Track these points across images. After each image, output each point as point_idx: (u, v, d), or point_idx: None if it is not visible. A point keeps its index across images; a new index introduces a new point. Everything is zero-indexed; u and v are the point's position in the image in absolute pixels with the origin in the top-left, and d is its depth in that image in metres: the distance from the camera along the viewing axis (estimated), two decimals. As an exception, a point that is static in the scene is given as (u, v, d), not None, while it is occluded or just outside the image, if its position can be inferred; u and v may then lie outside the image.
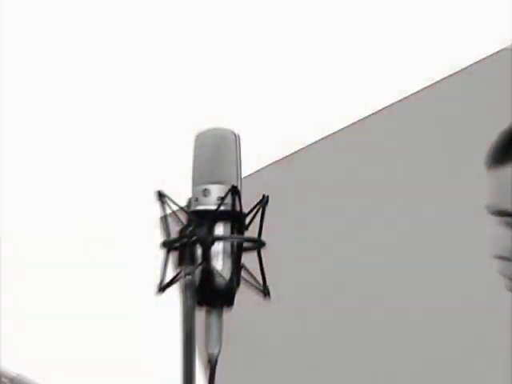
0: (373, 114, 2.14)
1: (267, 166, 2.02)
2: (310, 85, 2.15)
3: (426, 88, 2.14)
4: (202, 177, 0.85)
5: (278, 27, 2.19)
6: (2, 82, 2.20)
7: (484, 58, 2.09)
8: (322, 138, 2.12)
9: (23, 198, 2.08)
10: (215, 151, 0.84)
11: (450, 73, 2.13)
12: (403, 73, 2.18)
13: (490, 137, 1.04)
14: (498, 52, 2.06)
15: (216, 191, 0.85)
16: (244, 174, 0.91)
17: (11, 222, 2.00)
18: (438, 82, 2.14)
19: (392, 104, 2.14)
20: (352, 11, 2.17)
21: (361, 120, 2.14)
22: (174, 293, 0.86)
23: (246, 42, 2.15)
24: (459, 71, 2.13)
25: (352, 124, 2.13)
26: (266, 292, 0.85)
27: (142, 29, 2.16)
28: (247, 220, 0.85)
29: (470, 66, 2.12)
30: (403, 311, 2.03)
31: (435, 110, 2.15)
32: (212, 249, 0.83)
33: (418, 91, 2.15)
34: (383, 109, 2.14)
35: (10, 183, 2.10)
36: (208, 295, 0.84)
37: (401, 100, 2.14)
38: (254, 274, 0.85)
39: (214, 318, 0.85)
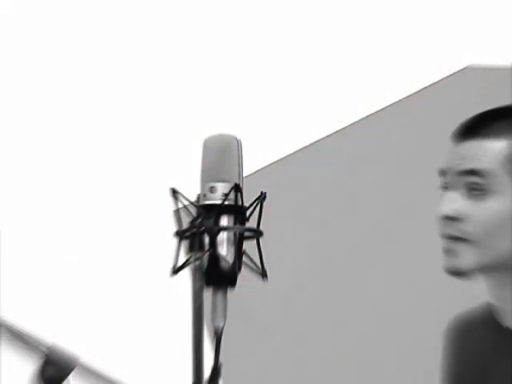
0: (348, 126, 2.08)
1: (265, 167, 2.01)
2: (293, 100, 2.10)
3: (392, 104, 2.08)
4: (209, 176, 0.85)
5: (275, 37, 2.13)
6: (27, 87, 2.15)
7: (448, 76, 2.04)
8: (311, 144, 2.10)
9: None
10: (220, 154, 0.83)
11: (416, 90, 2.07)
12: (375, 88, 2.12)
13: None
14: (461, 70, 2.02)
15: (221, 188, 0.84)
16: (245, 173, 0.89)
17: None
18: (403, 99, 2.08)
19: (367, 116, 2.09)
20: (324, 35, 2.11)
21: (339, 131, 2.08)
22: (186, 275, 0.85)
23: (248, 57, 2.11)
24: (424, 88, 2.07)
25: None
26: (264, 274, 0.84)
27: (155, 43, 2.12)
28: (248, 213, 0.85)
29: (435, 83, 2.07)
30: (395, 294, 2.00)
31: (401, 125, 2.08)
32: (218, 237, 0.82)
33: (386, 107, 2.09)
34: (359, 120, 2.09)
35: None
36: (214, 277, 0.83)
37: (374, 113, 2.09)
38: (254, 259, 0.85)
39: (219, 297, 0.85)
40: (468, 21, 2.08)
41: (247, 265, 0.84)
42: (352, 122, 2.07)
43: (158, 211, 1.92)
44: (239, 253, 0.84)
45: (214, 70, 2.11)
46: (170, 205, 0.86)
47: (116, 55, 2.12)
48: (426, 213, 1.93)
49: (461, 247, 0.97)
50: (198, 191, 0.86)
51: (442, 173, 1.01)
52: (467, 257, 0.97)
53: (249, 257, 0.84)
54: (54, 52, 2.15)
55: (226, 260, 0.83)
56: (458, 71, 2.00)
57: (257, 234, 0.85)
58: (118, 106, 2.08)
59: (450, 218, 0.97)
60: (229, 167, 0.83)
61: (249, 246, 0.87)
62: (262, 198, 0.84)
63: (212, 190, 0.85)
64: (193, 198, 0.86)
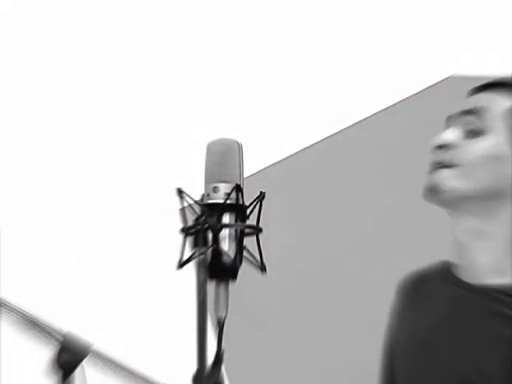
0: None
1: (264, 168, 2.01)
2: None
3: (375, 114, 2.05)
4: (212, 177, 0.85)
5: (274, 42, 2.11)
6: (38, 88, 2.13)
7: (431, 86, 2.01)
8: (309, 146, 2.09)
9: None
10: (222, 157, 0.84)
11: (399, 99, 2.04)
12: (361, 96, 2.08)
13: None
14: (444, 79, 2.00)
15: (223, 188, 0.85)
16: (245, 174, 0.90)
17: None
18: (386, 108, 2.04)
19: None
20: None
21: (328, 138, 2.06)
22: (191, 268, 0.86)
23: (248, 64, 2.09)
24: (407, 98, 2.04)
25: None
26: (263, 268, 0.85)
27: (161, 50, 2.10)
28: (248, 211, 0.85)
29: (418, 93, 2.04)
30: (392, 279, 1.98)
31: (385, 134, 2.04)
32: (220, 234, 0.83)
33: (370, 116, 2.05)
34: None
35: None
36: (217, 270, 0.84)
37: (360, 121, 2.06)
38: (254, 254, 0.85)
39: (221, 289, 0.85)
40: (450, 31, 2.07)
41: (247, 259, 0.85)
42: (341, 128, 2.04)
43: (165, 210, 1.93)
44: (240, 248, 0.84)
45: (217, 78, 2.10)
46: (176, 204, 0.86)
47: (123, 60, 2.10)
48: (417, 215, 1.94)
49: (446, 172, 0.97)
50: (202, 191, 0.87)
51: (448, 119, 1.02)
52: (450, 180, 0.97)
53: (249, 252, 0.85)
54: (58, 56, 2.13)
55: (227, 255, 0.83)
56: (441, 81, 1.98)
57: (256, 230, 0.86)
58: (130, 115, 2.07)
59: (442, 147, 0.98)
60: (230, 169, 0.84)
61: (249, 242, 0.87)
62: (261, 197, 0.85)
63: (215, 190, 0.85)
64: (197, 198, 0.86)
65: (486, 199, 0.97)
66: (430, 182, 0.99)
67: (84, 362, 0.71)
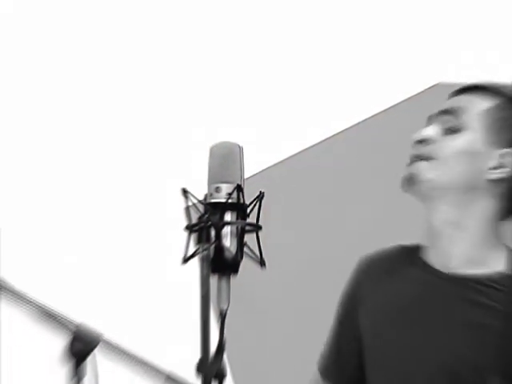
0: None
1: (263, 170, 2.00)
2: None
3: (361, 122, 2.02)
4: (214, 178, 0.85)
5: (274, 44, 2.07)
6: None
7: (419, 93, 1.99)
8: (308, 148, 2.07)
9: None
10: (224, 159, 0.84)
11: (387, 106, 2.02)
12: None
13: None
14: (431, 87, 1.98)
15: (225, 188, 0.85)
16: (246, 175, 0.90)
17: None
18: (373, 116, 2.01)
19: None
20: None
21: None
22: (195, 263, 0.86)
23: (248, 66, 2.06)
24: (395, 105, 2.02)
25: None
26: (262, 263, 0.85)
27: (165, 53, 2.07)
28: (248, 210, 0.85)
29: (406, 100, 2.01)
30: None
31: (377, 138, 2.02)
32: (222, 231, 0.83)
33: (362, 120, 2.03)
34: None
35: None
36: (219, 265, 0.84)
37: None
38: (254, 250, 0.85)
39: (223, 282, 0.85)
40: (438, 39, 2.06)
41: (248, 255, 0.85)
42: (335, 132, 2.01)
43: (171, 208, 1.93)
44: (241, 244, 0.85)
45: (218, 81, 2.08)
46: (181, 203, 0.86)
47: (126, 62, 2.07)
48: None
49: (423, 164, 0.99)
50: (206, 191, 0.87)
51: (429, 118, 1.03)
52: (427, 172, 0.99)
53: (249, 248, 0.85)
54: (60, 56, 2.09)
55: (229, 250, 0.83)
56: (429, 88, 1.97)
57: (256, 228, 0.86)
58: (138, 118, 2.06)
59: (421, 142, 1.00)
60: (232, 170, 0.85)
61: (249, 239, 0.88)
62: (260, 196, 0.85)
63: (217, 190, 0.86)
64: (201, 197, 0.87)
65: (461, 192, 0.98)
66: (408, 173, 1.00)
67: (95, 351, 0.72)
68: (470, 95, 1.02)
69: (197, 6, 2.11)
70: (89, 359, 0.71)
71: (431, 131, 1.00)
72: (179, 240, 0.87)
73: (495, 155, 0.97)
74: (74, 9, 2.16)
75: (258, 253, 0.84)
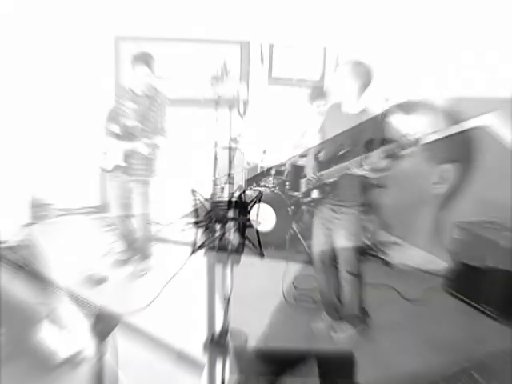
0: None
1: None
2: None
3: None
4: (220, 179, 0.91)
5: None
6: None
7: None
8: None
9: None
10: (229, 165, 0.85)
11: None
12: None
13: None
14: None
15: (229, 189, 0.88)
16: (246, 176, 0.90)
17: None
18: None
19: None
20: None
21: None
22: (202, 254, 0.89)
23: None
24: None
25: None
26: (261, 254, 0.88)
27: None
28: (249, 207, 0.88)
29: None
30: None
31: None
32: (226, 226, 0.86)
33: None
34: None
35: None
36: (224, 256, 0.86)
37: None
38: (254, 243, 0.89)
39: (227, 271, 0.88)
40: (413, 58, 2.07)
41: (249, 247, 0.89)
42: None
43: (179, 207, 1.93)
44: (243, 237, 0.87)
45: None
46: (190, 201, 0.89)
47: None
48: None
49: None
50: (211, 191, 0.97)
51: None
52: None
53: (250, 240, 0.88)
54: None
55: (232, 243, 0.86)
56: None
57: (256, 223, 0.89)
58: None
59: None
60: (234, 173, 0.87)
61: (250, 232, 0.90)
62: (260, 196, 0.89)
63: (222, 190, 0.96)
64: (207, 197, 0.90)
65: None
66: None
67: (116, 330, 0.76)
68: None
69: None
70: (110, 337, 0.75)
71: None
72: (189, 234, 0.87)
73: None
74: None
75: (257, 245, 0.89)
